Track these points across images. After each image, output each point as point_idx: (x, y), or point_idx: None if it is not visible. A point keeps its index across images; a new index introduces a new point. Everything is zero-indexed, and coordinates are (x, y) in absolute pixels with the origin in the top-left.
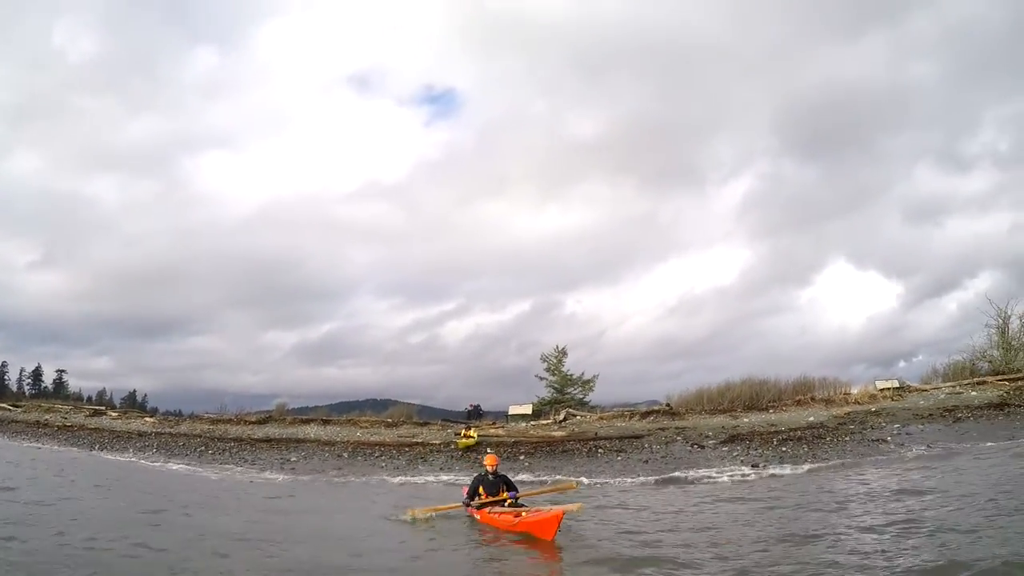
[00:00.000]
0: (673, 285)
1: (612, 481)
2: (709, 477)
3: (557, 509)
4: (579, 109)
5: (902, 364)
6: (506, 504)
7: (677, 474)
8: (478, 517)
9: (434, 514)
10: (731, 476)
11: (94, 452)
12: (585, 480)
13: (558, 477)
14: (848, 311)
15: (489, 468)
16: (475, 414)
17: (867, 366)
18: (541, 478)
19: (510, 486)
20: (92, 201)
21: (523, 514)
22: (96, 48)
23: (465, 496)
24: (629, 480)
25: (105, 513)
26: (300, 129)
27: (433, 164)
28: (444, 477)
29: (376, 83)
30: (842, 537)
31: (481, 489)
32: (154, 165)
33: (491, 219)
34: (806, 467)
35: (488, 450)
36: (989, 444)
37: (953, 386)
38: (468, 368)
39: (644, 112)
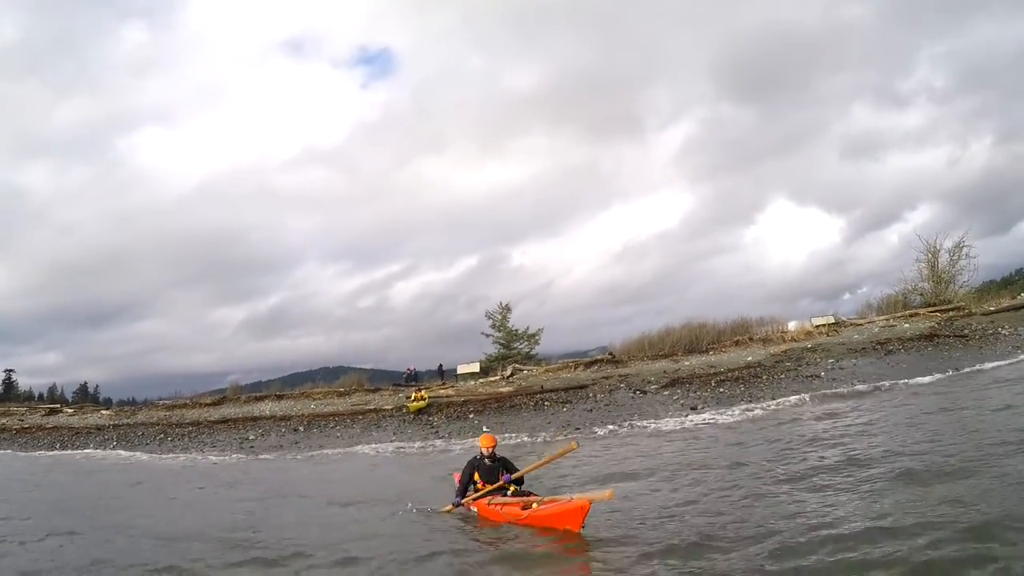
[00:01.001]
0: (617, 232)
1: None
2: (645, 426)
3: (582, 498)
4: (515, 63)
5: (847, 297)
6: (509, 492)
7: (611, 427)
8: (476, 511)
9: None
10: (668, 422)
11: (55, 452)
12: (527, 437)
13: (557, 440)
14: (791, 248)
15: (485, 450)
16: (412, 377)
17: (812, 300)
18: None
19: (510, 469)
20: (24, 191)
21: (534, 505)
22: (16, 32)
23: (457, 487)
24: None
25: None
26: (236, 100)
27: (371, 126)
28: (397, 444)
29: (310, 47)
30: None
31: (477, 476)
32: (87, 148)
33: (432, 177)
34: (739, 408)
35: (484, 429)
36: (908, 380)
37: (887, 319)
38: (419, 328)
39: (580, 63)
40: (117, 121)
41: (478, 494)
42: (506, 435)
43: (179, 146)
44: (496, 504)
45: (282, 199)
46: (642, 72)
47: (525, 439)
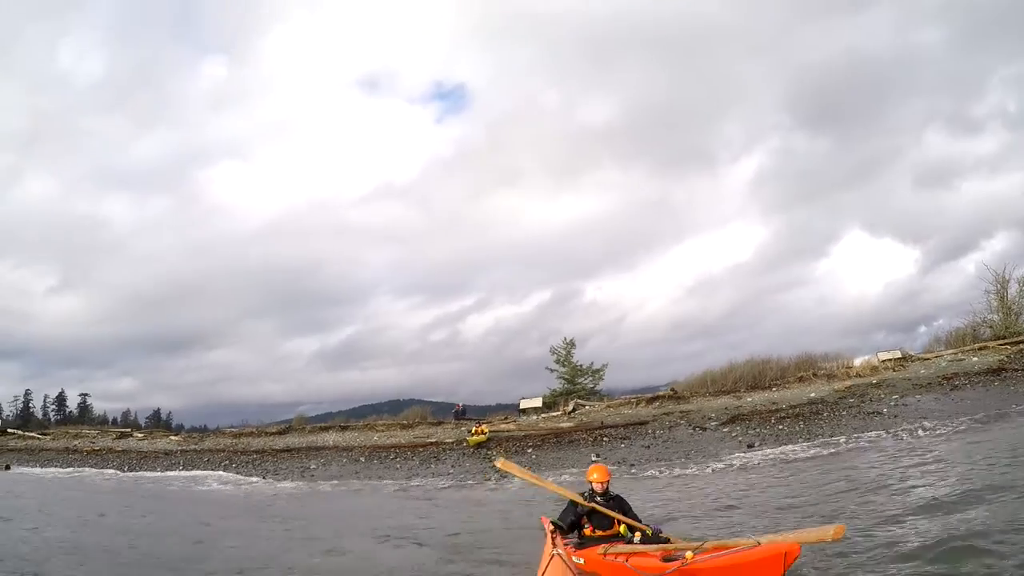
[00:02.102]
0: (690, 266)
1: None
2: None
3: (786, 539)
4: (589, 97)
5: (923, 329)
6: (635, 538)
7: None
8: (581, 561)
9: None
10: (718, 465)
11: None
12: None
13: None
14: (866, 279)
15: (597, 485)
16: (461, 414)
17: (887, 333)
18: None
19: (628, 514)
20: (105, 222)
21: (688, 554)
22: (102, 67)
23: (548, 534)
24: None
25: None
26: (311, 135)
27: (445, 161)
28: (454, 479)
29: (385, 83)
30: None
31: (585, 520)
32: (166, 181)
33: (506, 211)
34: (797, 446)
35: (595, 457)
36: (972, 416)
37: (955, 353)
38: (490, 362)
39: (653, 96)
40: (195, 154)
41: (582, 541)
42: (562, 471)
43: (255, 180)
44: (618, 554)
45: (356, 233)
46: (714, 103)
47: (575, 473)
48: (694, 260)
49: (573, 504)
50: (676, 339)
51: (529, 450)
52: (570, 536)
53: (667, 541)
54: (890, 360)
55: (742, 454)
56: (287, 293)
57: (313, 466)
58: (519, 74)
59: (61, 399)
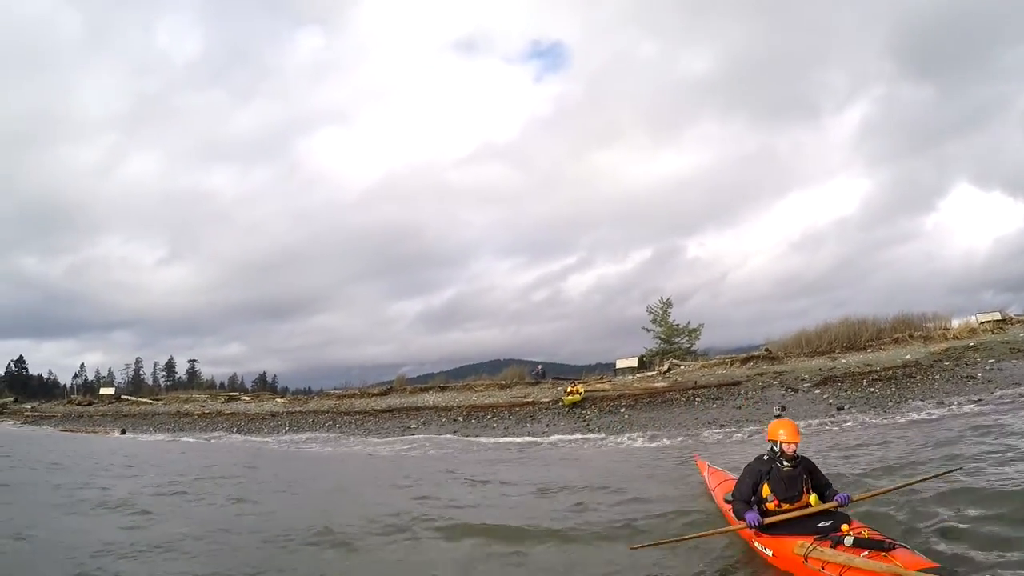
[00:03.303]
0: (794, 220)
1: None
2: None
3: None
4: (686, 49)
5: None
6: (845, 538)
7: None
8: (763, 548)
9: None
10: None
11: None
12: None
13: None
14: (974, 235)
15: (786, 446)
16: (540, 375)
17: (995, 292)
18: (649, 433)
19: (819, 482)
20: (211, 194)
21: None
22: (199, 45)
23: (725, 500)
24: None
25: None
26: (410, 99)
27: (545, 119)
28: (552, 437)
29: (482, 44)
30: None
31: (767, 489)
32: (268, 151)
33: (606, 168)
34: (884, 411)
35: (778, 411)
36: None
37: None
38: (592, 321)
39: (752, 45)
40: (295, 123)
41: (770, 519)
42: (653, 431)
43: (356, 145)
44: (825, 563)
45: (458, 194)
46: (816, 52)
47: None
48: (798, 214)
49: (753, 467)
50: (779, 296)
51: (622, 410)
52: (758, 505)
53: (891, 546)
54: (989, 322)
55: (829, 417)
56: (390, 256)
57: (413, 425)
58: (616, 28)
59: (170, 366)
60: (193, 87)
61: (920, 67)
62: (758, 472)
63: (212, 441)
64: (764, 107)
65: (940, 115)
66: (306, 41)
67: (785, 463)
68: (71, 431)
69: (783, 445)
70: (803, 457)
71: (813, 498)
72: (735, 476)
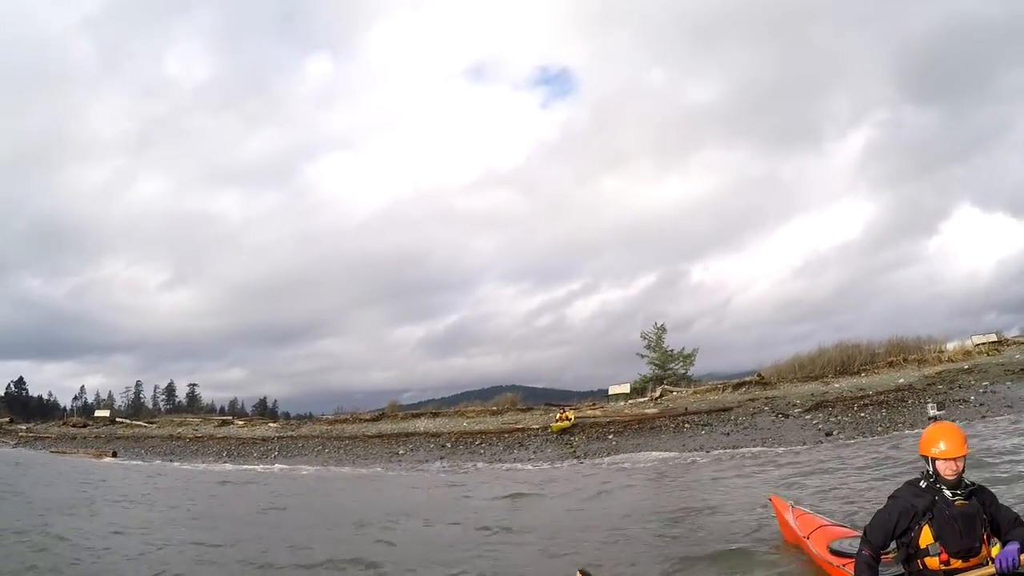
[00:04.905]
0: (798, 245)
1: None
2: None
3: None
4: (692, 77)
5: None
6: None
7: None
8: None
9: None
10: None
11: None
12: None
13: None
14: (977, 257)
15: (949, 467)
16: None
17: (999, 313)
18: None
19: (1003, 521)
20: (217, 217)
21: None
22: (209, 70)
23: (831, 550)
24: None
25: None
26: (418, 125)
27: (551, 145)
28: (530, 467)
29: (490, 71)
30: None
31: (928, 534)
32: (275, 176)
33: (612, 194)
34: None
35: (933, 411)
36: None
37: None
38: (595, 347)
39: (757, 74)
40: (302, 148)
41: None
42: (640, 453)
43: (363, 171)
44: None
45: (463, 220)
46: (820, 78)
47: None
48: (802, 239)
49: (901, 499)
50: (782, 321)
51: (610, 436)
52: (915, 558)
53: None
54: (984, 344)
55: (817, 443)
56: (395, 282)
57: (401, 451)
58: (622, 55)
59: (170, 389)
60: (203, 111)
61: (922, 90)
62: (910, 509)
63: (196, 468)
64: (769, 133)
65: (942, 138)
66: (315, 67)
67: (954, 494)
68: (63, 452)
69: (937, 464)
70: (978, 484)
71: (996, 549)
72: (833, 522)
